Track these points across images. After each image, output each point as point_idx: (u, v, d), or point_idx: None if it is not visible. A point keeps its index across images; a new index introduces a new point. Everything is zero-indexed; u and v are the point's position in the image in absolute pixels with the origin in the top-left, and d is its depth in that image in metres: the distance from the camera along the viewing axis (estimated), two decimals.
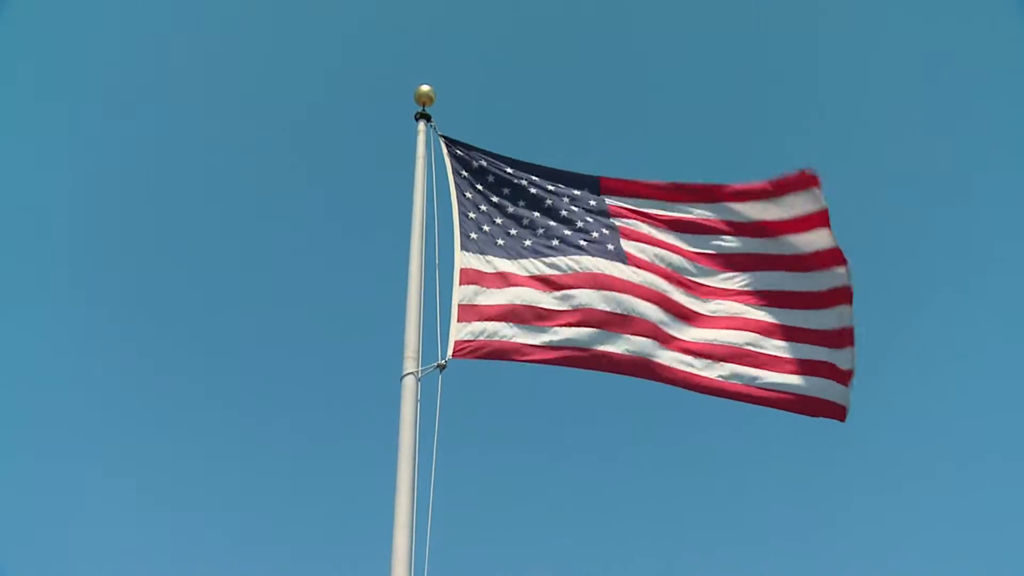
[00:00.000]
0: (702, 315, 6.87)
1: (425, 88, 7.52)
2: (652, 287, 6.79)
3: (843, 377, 6.74)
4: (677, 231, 7.15)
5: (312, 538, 16.76)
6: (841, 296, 6.84)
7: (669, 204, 7.19)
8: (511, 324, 6.29)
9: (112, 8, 18.97)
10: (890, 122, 21.06)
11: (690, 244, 7.13)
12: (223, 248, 20.67)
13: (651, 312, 6.66)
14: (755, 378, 6.70)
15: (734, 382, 6.67)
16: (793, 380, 6.71)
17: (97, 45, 19.12)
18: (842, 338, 6.79)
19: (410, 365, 5.87)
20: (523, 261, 6.72)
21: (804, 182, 6.92)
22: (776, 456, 19.14)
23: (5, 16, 15.40)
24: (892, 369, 19.23)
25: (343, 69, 21.73)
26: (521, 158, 7.31)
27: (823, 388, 6.73)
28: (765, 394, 6.68)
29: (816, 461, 18.69)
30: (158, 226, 20.00)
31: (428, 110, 7.46)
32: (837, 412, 6.75)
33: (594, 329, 6.48)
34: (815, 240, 6.90)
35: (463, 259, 6.52)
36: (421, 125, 7.35)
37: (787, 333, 6.83)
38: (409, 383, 5.78)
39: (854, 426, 6.87)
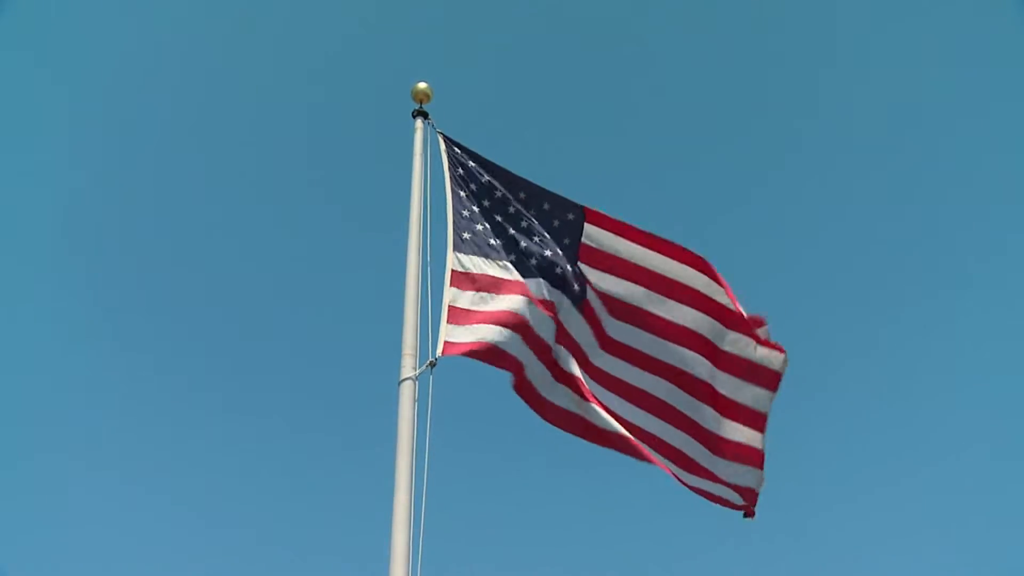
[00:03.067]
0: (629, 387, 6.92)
1: (422, 85, 7.45)
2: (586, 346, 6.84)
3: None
4: (637, 283, 6.95)
5: (310, 538, 16.76)
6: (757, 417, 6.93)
7: (643, 253, 6.93)
8: (497, 328, 6.20)
9: (112, 7, 18.97)
10: (890, 122, 21.04)
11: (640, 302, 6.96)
12: (219, 247, 20.69)
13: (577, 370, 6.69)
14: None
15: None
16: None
17: (96, 44, 19.12)
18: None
19: (408, 364, 5.82)
20: (509, 265, 6.64)
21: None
22: (771, 452, 19.10)
23: (6, 15, 15.38)
24: (882, 366, 19.32)
25: (341, 67, 21.73)
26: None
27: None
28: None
29: (808, 459, 18.80)
30: (154, 224, 20.03)
31: (426, 107, 7.41)
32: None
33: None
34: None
35: (455, 260, 6.47)
36: (419, 123, 7.30)
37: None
38: (407, 384, 5.73)
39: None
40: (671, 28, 22.65)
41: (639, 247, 6.94)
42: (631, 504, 17.90)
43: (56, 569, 15.01)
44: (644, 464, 6.60)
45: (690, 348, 6.90)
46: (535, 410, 6.59)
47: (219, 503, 17.29)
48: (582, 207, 7.05)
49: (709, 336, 6.87)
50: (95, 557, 15.60)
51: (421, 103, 7.42)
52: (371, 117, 20.58)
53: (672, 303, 6.90)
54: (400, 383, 5.73)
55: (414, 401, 5.68)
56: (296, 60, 21.65)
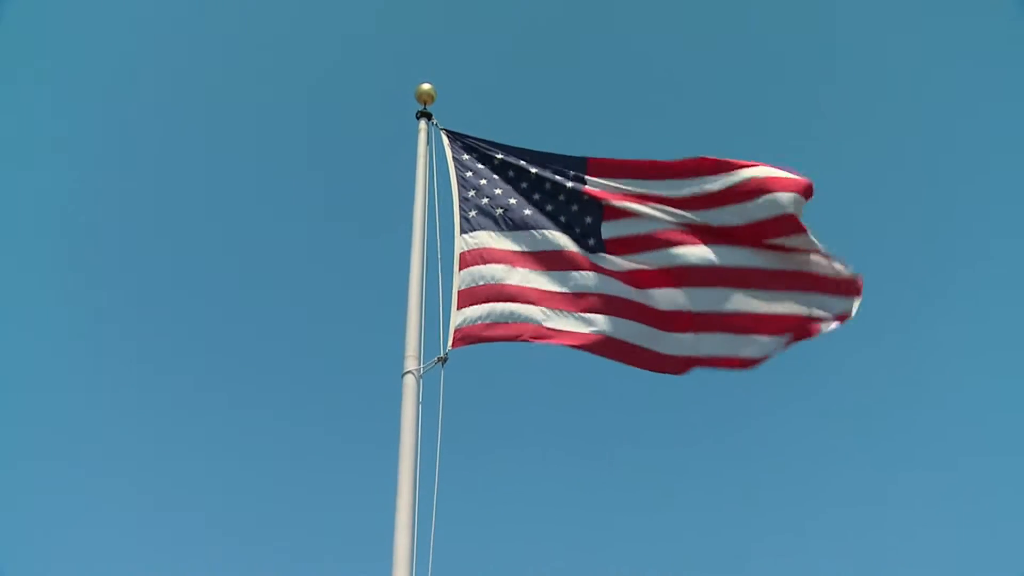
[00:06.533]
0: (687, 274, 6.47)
1: (426, 87, 7.48)
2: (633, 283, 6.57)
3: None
4: (659, 204, 6.66)
5: (313, 539, 16.74)
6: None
7: (652, 183, 6.68)
8: (508, 303, 6.24)
9: (111, 5, 18.97)
10: (889, 122, 21.06)
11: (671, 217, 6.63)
12: (223, 246, 20.63)
13: (634, 296, 6.47)
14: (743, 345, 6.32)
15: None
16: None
17: (95, 42, 19.11)
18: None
19: (411, 363, 5.80)
20: (519, 233, 6.69)
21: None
22: (774, 451, 19.20)
23: (5, 16, 15.40)
24: (886, 365, 19.29)
25: (344, 68, 21.73)
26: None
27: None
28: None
29: (808, 458, 18.79)
30: (157, 222, 20.00)
31: (429, 108, 7.43)
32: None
33: (593, 314, 6.38)
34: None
35: (462, 243, 6.50)
36: (422, 124, 7.32)
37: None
38: (409, 381, 5.71)
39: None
40: (679, 25, 22.70)
41: (643, 180, 6.69)
42: (647, 497, 17.89)
43: (56, 569, 15.00)
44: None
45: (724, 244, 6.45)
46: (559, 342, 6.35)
47: (220, 504, 17.27)
48: (585, 159, 6.91)
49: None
50: (95, 557, 15.59)
51: (425, 104, 7.45)
52: (375, 119, 20.59)
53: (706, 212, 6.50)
54: (403, 380, 5.70)
55: (417, 399, 5.64)
56: (298, 61, 21.69)
